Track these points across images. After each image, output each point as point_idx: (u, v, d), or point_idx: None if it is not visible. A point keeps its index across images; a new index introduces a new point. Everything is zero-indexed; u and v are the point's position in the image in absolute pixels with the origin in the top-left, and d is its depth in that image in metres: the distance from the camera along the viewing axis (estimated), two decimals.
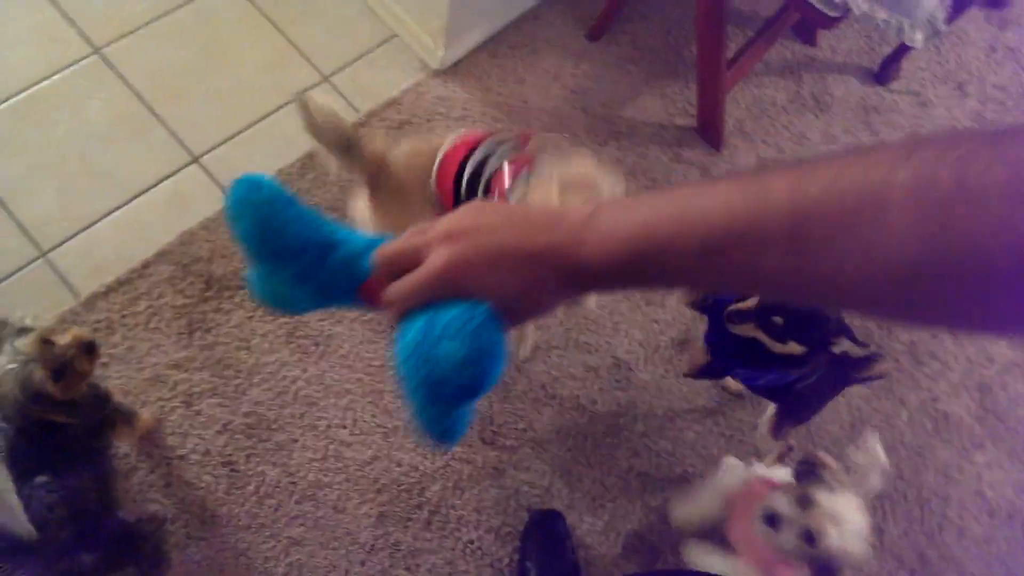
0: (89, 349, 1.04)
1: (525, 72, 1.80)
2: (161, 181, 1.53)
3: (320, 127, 1.09)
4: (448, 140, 1.18)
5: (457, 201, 1.15)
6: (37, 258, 1.42)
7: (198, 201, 1.52)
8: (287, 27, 1.71)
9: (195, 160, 1.55)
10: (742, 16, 1.90)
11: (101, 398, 1.15)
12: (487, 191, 1.13)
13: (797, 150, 1.84)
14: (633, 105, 1.82)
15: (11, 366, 0.96)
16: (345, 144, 1.12)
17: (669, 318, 1.61)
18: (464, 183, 1.13)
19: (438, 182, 1.16)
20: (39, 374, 0.97)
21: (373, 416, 1.43)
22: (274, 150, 1.59)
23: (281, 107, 1.63)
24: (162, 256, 1.46)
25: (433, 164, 1.16)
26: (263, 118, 1.62)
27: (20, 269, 1.41)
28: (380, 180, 1.17)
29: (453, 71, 1.75)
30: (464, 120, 1.71)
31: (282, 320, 1.46)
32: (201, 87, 1.61)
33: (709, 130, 1.79)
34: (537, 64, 1.81)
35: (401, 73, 1.73)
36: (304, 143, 1.59)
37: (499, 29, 1.80)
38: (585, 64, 1.83)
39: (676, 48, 1.90)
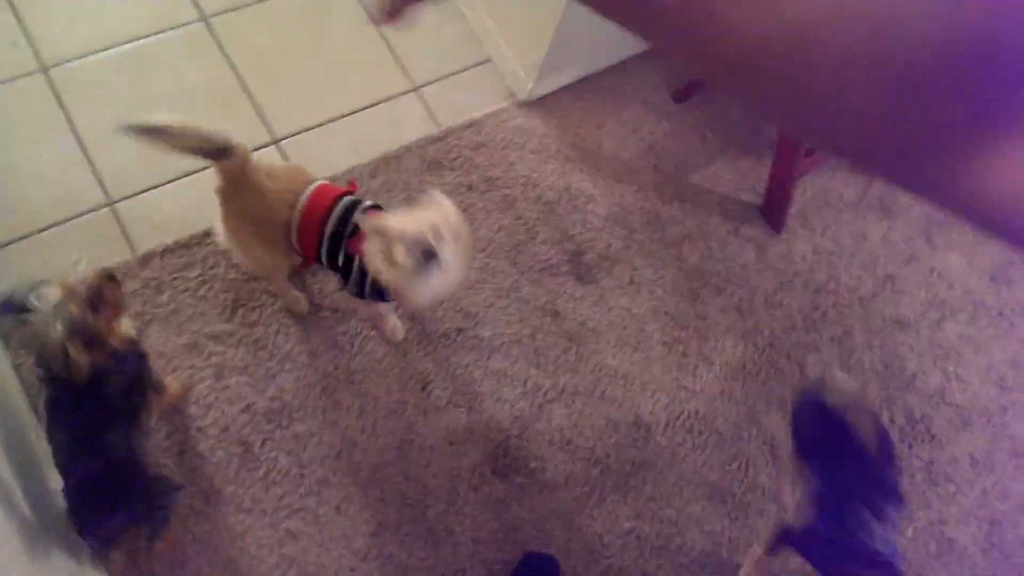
0: (111, 277, 1.06)
1: (606, 118, 1.82)
2: None
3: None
4: (314, 183, 1.16)
5: (319, 248, 1.16)
6: (104, 206, 1.46)
7: None
8: (390, 33, 1.75)
9: (275, 142, 1.59)
10: None
11: (141, 355, 1.17)
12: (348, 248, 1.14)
13: (855, 248, 1.84)
14: (704, 172, 1.83)
15: (44, 312, 0.98)
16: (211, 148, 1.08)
17: (698, 388, 1.61)
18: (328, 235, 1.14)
19: (301, 224, 1.15)
20: (75, 308, 0.99)
21: (391, 426, 1.44)
22: (350, 147, 1.62)
23: (366, 108, 1.67)
24: None
25: (297, 198, 1.14)
26: (347, 115, 1.65)
27: (86, 213, 1.45)
28: (238, 191, 1.14)
29: (538, 104, 1.78)
30: (539, 154, 1.73)
31: (323, 313, 1.48)
32: (295, 73, 1.65)
33: (773, 211, 1.80)
34: (619, 114, 1.83)
35: (487, 97, 1.76)
36: (380, 147, 1.64)
37: (590, 73, 1.83)
38: (666, 123, 1.85)
39: (756, 126, 1.91)
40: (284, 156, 1.58)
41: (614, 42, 1.78)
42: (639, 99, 1.86)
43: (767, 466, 1.57)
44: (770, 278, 1.76)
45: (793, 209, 1.81)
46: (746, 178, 1.85)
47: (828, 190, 1.89)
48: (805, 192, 1.87)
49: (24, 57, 1.52)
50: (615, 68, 1.86)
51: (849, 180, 1.92)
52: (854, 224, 1.87)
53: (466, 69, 1.77)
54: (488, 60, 1.79)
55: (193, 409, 1.37)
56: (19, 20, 1.55)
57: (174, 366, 1.38)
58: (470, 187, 1.66)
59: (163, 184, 1.50)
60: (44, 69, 1.52)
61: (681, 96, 1.88)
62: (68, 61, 1.54)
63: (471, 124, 1.72)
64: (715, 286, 1.71)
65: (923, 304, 1.82)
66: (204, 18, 1.65)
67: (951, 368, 1.77)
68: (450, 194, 1.61)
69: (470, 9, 1.80)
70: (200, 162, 1.51)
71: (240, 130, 1.56)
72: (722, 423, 1.59)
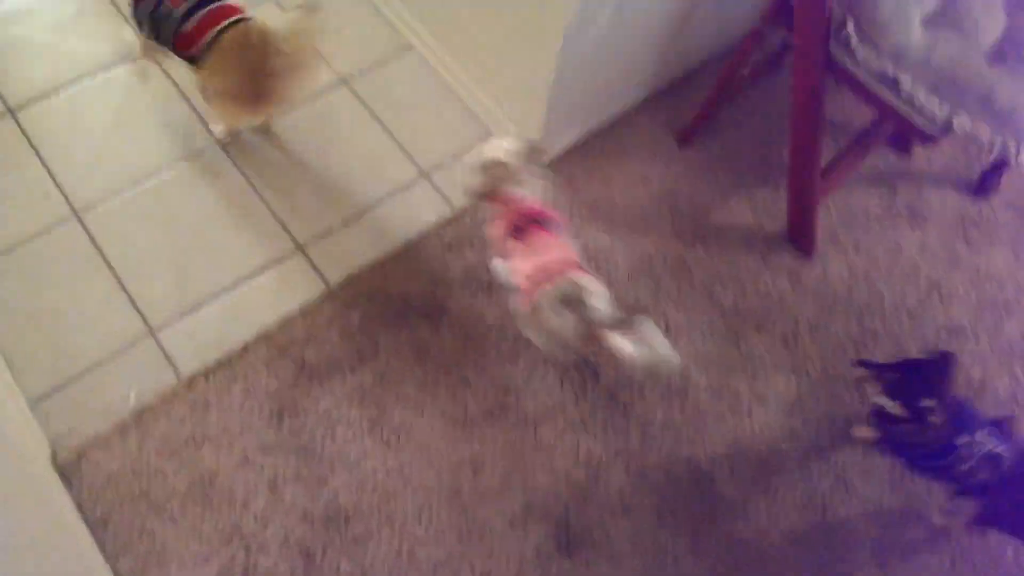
0: None
1: (613, 172, 1.83)
2: (266, 267, 1.60)
3: None
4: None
5: None
6: (146, 336, 1.50)
7: (299, 286, 1.58)
8: (391, 124, 1.80)
9: (299, 247, 1.63)
10: (835, 125, 1.89)
11: None
12: None
13: (892, 262, 1.79)
14: (722, 209, 1.82)
15: None
16: None
17: (756, 430, 1.55)
18: None
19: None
20: None
21: (449, 515, 1.42)
22: (371, 241, 1.65)
23: (381, 200, 1.71)
24: (261, 340, 1.52)
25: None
26: (364, 210, 1.69)
27: (129, 346, 1.49)
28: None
29: (545, 169, 1.80)
30: None
31: (366, 409, 1.48)
32: (310, 178, 1.71)
33: (799, 237, 1.77)
34: (626, 166, 1.84)
35: None
36: (400, 235, 1.67)
37: (590, 130, 1.85)
38: (674, 167, 1.86)
39: (765, 154, 1.90)
40: (309, 260, 1.62)
41: (609, 97, 1.81)
42: (643, 149, 1.87)
43: (843, 504, 1.50)
44: (810, 305, 1.71)
45: (820, 231, 1.78)
46: (765, 208, 1.83)
47: (852, 207, 1.86)
48: (829, 212, 1.84)
49: (57, 206, 1.61)
50: (614, 122, 1.88)
51: (872, 193, 1.88)
52: (886, 237, 1.83)
53: (470, 147, 1.81)
54: (490, 135, 1.83)
55: (252, 525, 1.37)
56: (48, 171, 1.65)
57: (229, 485, 1.39)
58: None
59: (199, 306, 1.54)
60: (76, 214, 1.60)
61: (685, 139, 1.89)
62: (97, 203, 1.62)
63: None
64: (755, 322, 1.68)
65: (976, 307, 1.75)
66: (222, 143, 1.73)
67: (1020, 370, 1.69)
68: (474, 270, 1.64)
69: (463, 88, 1.85)
70: (231, 280, 1.57)
71: (263, 241, 1.62)
72: (788, 463, 1.54)
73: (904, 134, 1.84)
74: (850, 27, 1.42)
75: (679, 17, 1.68)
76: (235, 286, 1.58)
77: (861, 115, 1.86)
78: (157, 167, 1.68)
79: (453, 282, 1.64)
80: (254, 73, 1.48)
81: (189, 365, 1.48)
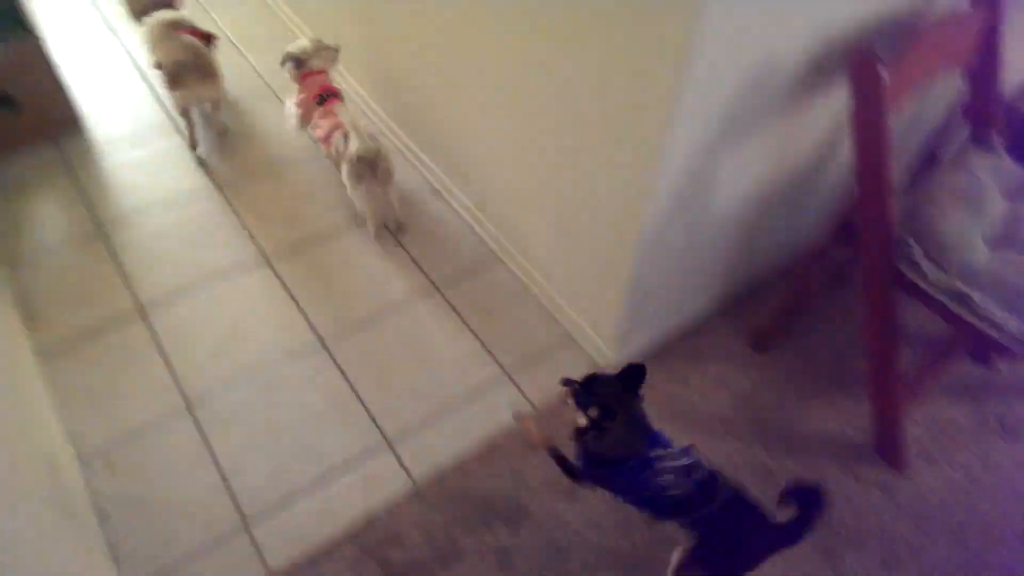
0: None
1: (691, 375, 1.88)
2: (356, 462, 1.67)
3: None
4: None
5: None
6: (240, 529, 1.55)
7: (386, 483, 1.63)
8: (476, 326, 1.94)
9: (387, 443, 1.70)
10: (912, 335, 1.92)
11: None
12: None
13: (990, 477, 1.72)
14: (804, 417, 1.82)
15: None
16: None
17: None
18: None
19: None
20: None
21: None
22: (455, 438, 1.71)
23: (466, 397, 1.79)
24: (348, 538, 1.54)
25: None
26: (449, 408, 1.77)
27: (226, 537, 1.53)
28: None
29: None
30: None
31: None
32: (401, 377, 1.82)
33: (887, 449, 1.74)
34: (703, 370, 1.90)
35: (574, 372, 1.86)
36: (483, 433, 1.72)
37: (666, 333, 1.94)
38: (752, 372, 1.90)
39: (843, 362, 1.93)
40: (396, 456, 1.68)
41: (682, 302, 1.91)
42: (719, 353, 1.93)
43: None
44: (907, 523, 1.64)
45: (909, 444, 1.74)
46: (848, 418, 1.82)
47: (940, 419, 1.83)
48: (916, 424, 1.81)
49: (173, 399, 1.75)
50: (688, 326, 1.96)
51: (958, 405, 1.86)
52: (980, 451, 1.78)
53: (550, 348, 1.91)
54: (569, 337, 1.93)
55: None
56: (169, 367, 1.81)
57: None
58: None
59: (292, 499, 1.60)
60: (190, 408, 1.73)
61: (760, 344, 1.94)
62: (209, 398, 1.75)
63: (563, 401, 1.80)
64: (848, 540, 1.61)
65: None
66: (321, 340, 1.88)
67: None
68: (556, 473, 1.65)
69: (543, 293, 1.99)
70: (323, 473, 1.63)
71: (354, 433, 1.70)
72: None
73: (984, 346, 1.86)
74: (915, 247, 1.50)
75: (749, 230, 1.82)
76: (327, 480, 1.63)
77: (938, 324, 1.89)
78: (264, 365, 1.83)
79: (535, 484, 1.65)
80: None
81: (278, 559, 1.50)
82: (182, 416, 1.72)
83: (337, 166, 2.06)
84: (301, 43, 2.20)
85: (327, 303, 1.97)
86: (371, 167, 1.97)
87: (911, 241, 1.49)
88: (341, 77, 2.49)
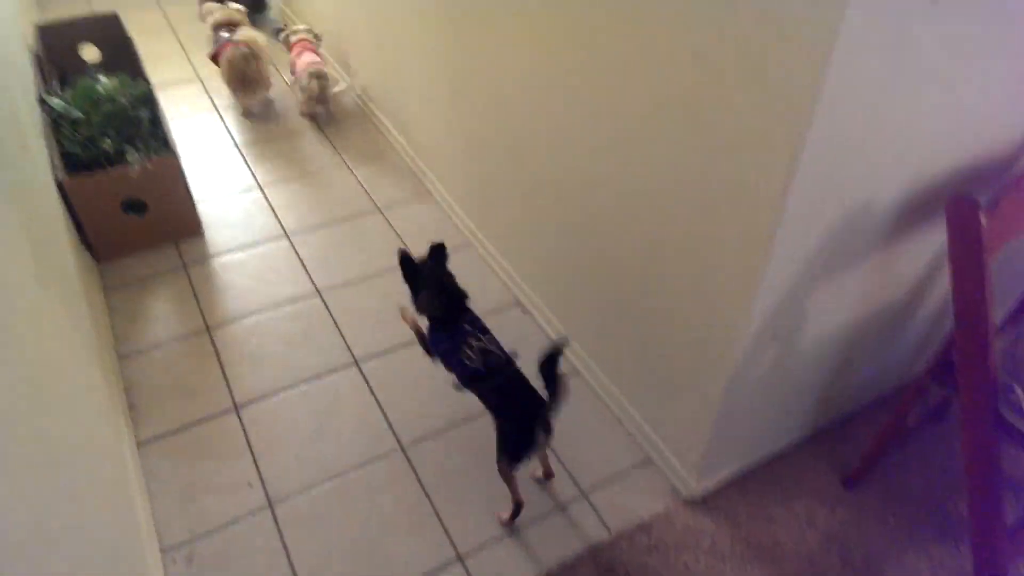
0: None
1: (776, 510, 1.80)
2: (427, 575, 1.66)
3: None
4: None
5: None
6: None
7: None
8: (555, 444, 1.94)
9: (458, 558, 1.68)
10: (1017, 482, 1.80)
11: None
12: None
13: None
14: (897, 562, 1.70)
15: None
16: None
17: None
18: None
19: None
20: None
21: None
22: (527, 557, 1.68)
23: (541, 515, 1.77)
24: None
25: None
26: (523, 524, 1.75)
27: None
28: None
29: (704, 502, 1.81)
30: (713, 554, 1.70)
31: None
32: (476, 488, 1.82)
33: None
34: (789, 504, 1.82)
35: (652, 497, 1.82)
36: (555, 553, 1.69)
37: (752, 465, 1.88)
38: (841, 510, 1.80)
39: (939, 504, 1.81)
40: (467, 572, 1.66)
41: (770, 434, 1.86)
42: (806, 487, 1.85)
43: None
44: None
45: None
46: (946, 565, 1.69)
47: None
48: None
49: (257, 496, 1.80)
50: (775, 458, 1.90)
51: None
52: None
53: (627, 470, 1.88)
54: (648, 460, 1.90)
55: None
56: (255, 463, 1.87)
57: None
58: None
59: None
60: (271, 506, 1.78)
61: (850, 480, 1.86)
62: (290, 497, 1.80)
63: (640, 527, 1.76)
64: None
65: None
66: (402, 447, 1.92)
67: None
68: None
69: (625, 415, 1.98)
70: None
71: (428, 548, 1.70)
72: None
73: None
74: (1018, 392, 1.44)
75: (842, 361, 1.78)
76: None
77: None
78: (346, 468, 1.87)
79: None
80: None
81: None
82: (263, 514, 1.77)
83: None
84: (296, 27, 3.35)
85: (408, 407, 2.02)
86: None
87: (1016, 387, 1.43)
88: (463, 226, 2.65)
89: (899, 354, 1.94)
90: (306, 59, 3.14)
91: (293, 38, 3.30)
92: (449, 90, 2.38)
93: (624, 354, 1.92)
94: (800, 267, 1.39)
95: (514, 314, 2.33)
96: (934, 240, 1.59)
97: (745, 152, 1.26)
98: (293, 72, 3.21)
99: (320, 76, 3.09)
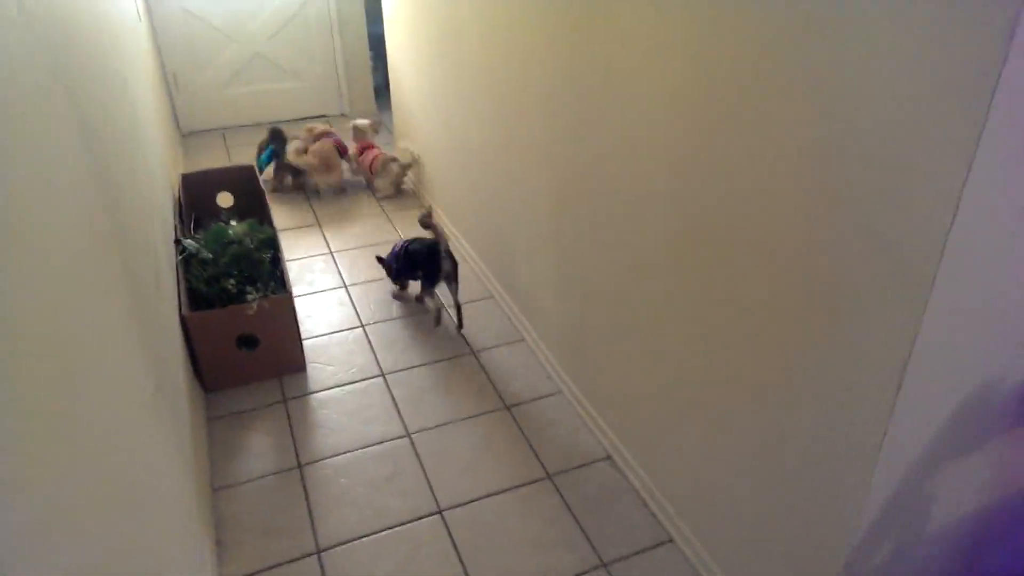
0: None
1: None
2: None
3: None
4: None
5: None
6: None
7: None
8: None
9: None
10: None
11: None
12: None
13: None
14: None
15: None
16: None
17: None
18: None
19: None
20: None
21: None
22: None
23: None
24: None
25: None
26: None
27: None
28: None
29: None
30: None
31: None
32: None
33: None
34: None
35: None
36: None
37: None
38: None
39: None
40: None
41: None
42: None
43: None
44: None
45: None
46: None
47: None
48: None
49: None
50: None
51: None
52: None
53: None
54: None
55: None
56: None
57: None
58: None
59: None
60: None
61: None
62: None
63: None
64: None
65: None
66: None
67: None
68: None
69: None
70: None
71: None
72: None
73: None
74: None
75: (970, 552, 1.58)
76: None
77: None
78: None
79: None
80: None
81: None
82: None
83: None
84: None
85: (491, 565, 1.93)
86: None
87: None
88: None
89: None
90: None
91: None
92: (556, 250, 2.47)
93: (731, 531, 1.77)
94: (922, 445, 1.28)
95: (606, 471, 2.24)
96: None
97: (866, 321, 1.21)
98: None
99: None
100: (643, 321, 1.95)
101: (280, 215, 3.75)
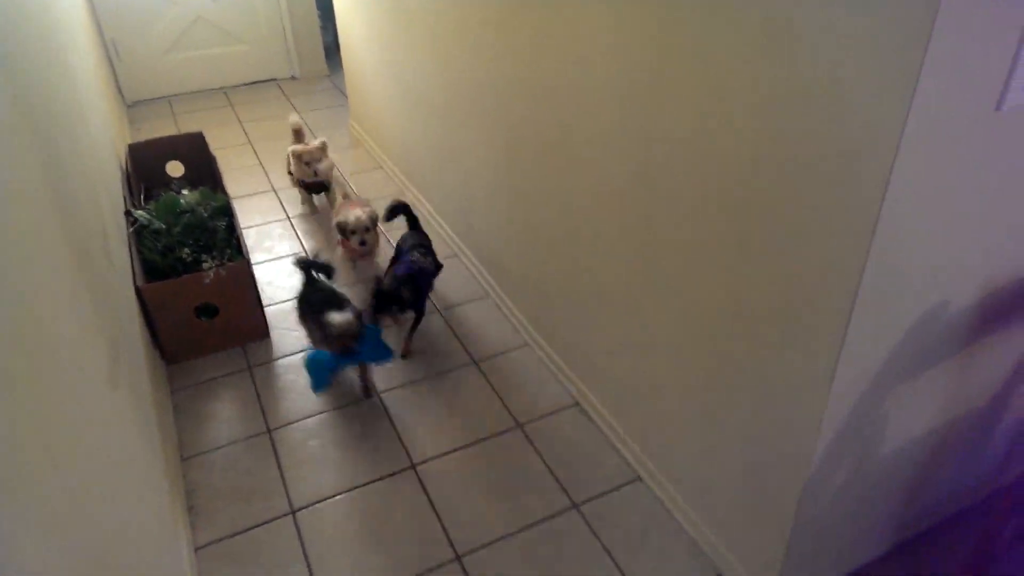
0: None
1: None
2: None
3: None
4: None
5: None
6: None
7: None
8: (618, 555, 1.84)
9: None
10: None
11: None
12: None
13: None
14: None
15: None
16: None
17: None
18: None
19: None
20: None
21: None
22: None
23: None
24: None
25: None
26: None
27: None
28: None
29: None
30: None
31: None
32: None
33: None
34: None
35: None
36: None
37: None
38: None
39: None
40: None
41: (845, 549, 1.72)
42: None
43: None
44: None
45: None
46: None
47: None
48: None
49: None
50: (856, 570, 1.75)
51: None
52: None
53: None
54: (713, 570, 1.77)
55: None
56: (309, 570, 1.83)
57: None
58: None
59: None
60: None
61: None
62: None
63: None
64: None
65: None
66: (458, 557, 1.85)
67: None
68: None
69: (691, 525, 1.87)
70: None
71: None
72: None
73: None
74: None
75: (923, 468, 1.66)
76: None
77: None
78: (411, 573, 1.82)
79: None
80: None
81: None
82: None
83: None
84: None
85: (466, 513, 1.97)
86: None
87: None
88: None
89: (990, 460, 1.79)
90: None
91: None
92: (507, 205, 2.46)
93: (691, 457, 1.83)
94: (874, 369, 1.33)
95: (574, 417, 2.28)
96: (1017, 343, 1.50)
97: (820, 244, 1.24)
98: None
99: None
100: (598, 268, 1.97)
101: (233, 183, 3.65)
